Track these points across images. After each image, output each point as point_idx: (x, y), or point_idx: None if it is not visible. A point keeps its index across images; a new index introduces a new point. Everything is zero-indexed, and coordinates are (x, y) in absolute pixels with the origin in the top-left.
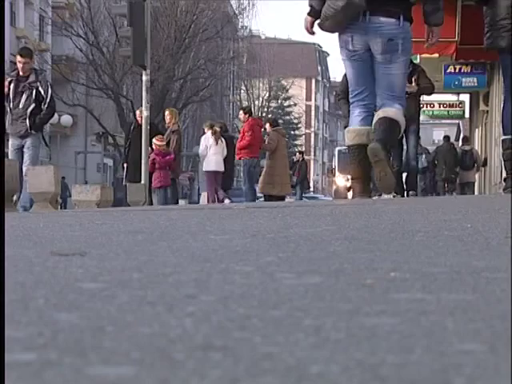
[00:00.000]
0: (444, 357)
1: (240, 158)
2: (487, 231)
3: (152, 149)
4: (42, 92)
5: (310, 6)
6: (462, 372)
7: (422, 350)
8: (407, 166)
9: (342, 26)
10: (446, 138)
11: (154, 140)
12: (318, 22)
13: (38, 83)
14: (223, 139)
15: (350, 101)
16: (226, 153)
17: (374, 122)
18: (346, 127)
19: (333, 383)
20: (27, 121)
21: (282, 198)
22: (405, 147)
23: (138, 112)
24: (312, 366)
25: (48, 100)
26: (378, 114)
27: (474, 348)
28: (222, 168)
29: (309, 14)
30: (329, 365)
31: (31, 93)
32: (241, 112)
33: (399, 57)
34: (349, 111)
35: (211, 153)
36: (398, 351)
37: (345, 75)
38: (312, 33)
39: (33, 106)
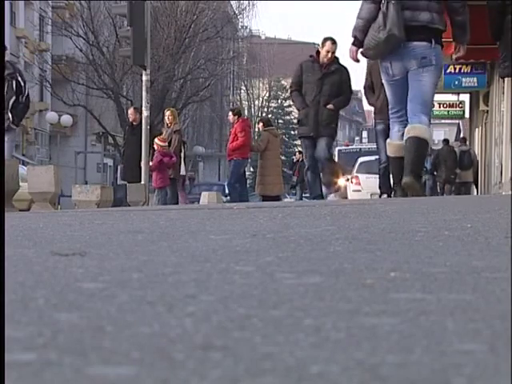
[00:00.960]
0: (444, 357)
1: (231, 159)
2: (487, 231)
3: (153, 149)
4: (22, 83)
5: (354, 36)
6: (462, 372)
7: (421, 349)
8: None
9: (384, 55)
10: (446, 141)
11: (156, 140)
12: (361, 50)
13: (17, 74)
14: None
15: (390, 117)
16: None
17: (404, 138)
18: (299, 121)
19: (333, 383)
20: (9, 113)
21: (277, 198)
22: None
23: (130, 111)
24: (312, 365)
25: (27, 93)
26: (408, 131)
27: (474, 348)
28: (184, 172)
29: (353, 44)
30: (329, 365)
31: (11, 84)
32: (230, 113)
33: (432, 69)
34: (302, 107)
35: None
36: (398, 351)
37: (299, 67)
38: (357, 60)
39: (14, 98)
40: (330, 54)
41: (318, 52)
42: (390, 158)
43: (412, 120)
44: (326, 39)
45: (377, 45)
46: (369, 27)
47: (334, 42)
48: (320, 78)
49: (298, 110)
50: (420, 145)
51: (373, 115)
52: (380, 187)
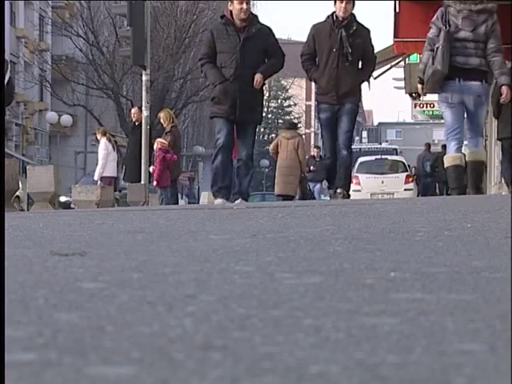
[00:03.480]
0: (444, 357)
1: None
2: (487, 231)
3: (153, 148)
4: None
5: (418, 77)
6: (462, 372)
7: (422, 349)
8: (336, 155)
9: (436, 87)
10: (445, 146)
11: (158, 139)
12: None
13: None
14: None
15: (448, 135)
16: (116, 158)
17: (467, 159)
18: (213, 98)
19: (333, 383)
20: None
21: (290, 198)
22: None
23: (132, 110)
24: (312, 365)
25: (8, 77)
26: (470, 156)
27: (474, 348)
28: (116, 173)
29: (419, 82)
30: (329, 365)
31: None
32: None
33: (483, 107)
34: (220, 80)
35: (110, 159)
36: (398, 351)
37: (210, 34)
38: (424, 94)
39: None
40: (244, 5)
41: (230, 13)
42: (448, 167)
43: (470, 145)
44: None
45: (428, 80)
46: None
47: None
48: (239, 46)
49: (214, 85)
50: (479, 167)
51: (316, 96)
52: (329, 182)
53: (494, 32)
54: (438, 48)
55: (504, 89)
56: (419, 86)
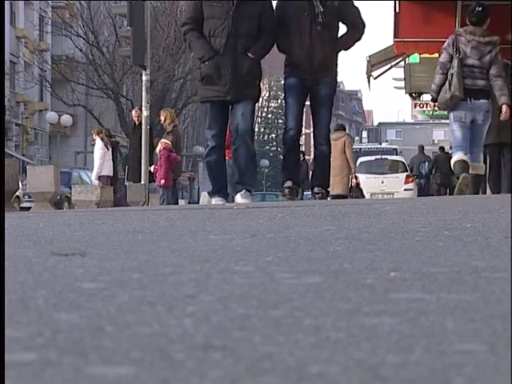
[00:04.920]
0: (444, 357)
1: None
2: (487, 231)
3: (153, 148)
4: None
5: (431, 95)
6: (461, 372)
7: (422, 349)
8: (315, 151)
9: (450, 107)
10: (442, 148)
11: (162, 140)
12: (436, 104)
13: None
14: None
15: (454, 149)
16: (110, 157)
17: (470, 171)
18: (203, 78)
19: (333, 383)
20: None
21: (342, 197)
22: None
23: (133, 112)
24: (312, 365)
25: None
26: (473, 169)
27: (474, 348)
28: (112, 173)
29: (431, 100)
30: (329, 365)
31: None
32: None
33: (489, 122)
34: (209, 55)
35: (107, 158)
36: (397, 351)
37: (196, 1)
38: (438, 108)
39: None
40: None
41: None
42: (454, 162)
43: (473, 159)
44: None
45: (445, 101)
46: (440, 90)
47: None
48: (232, 10)
49: (202, 60)
50: (479, 180)
51: (284, 68)
52: (285, 169)
53: (496, 60)
54: (453, 74)
55: (504, 107)
56: (431, 103)
